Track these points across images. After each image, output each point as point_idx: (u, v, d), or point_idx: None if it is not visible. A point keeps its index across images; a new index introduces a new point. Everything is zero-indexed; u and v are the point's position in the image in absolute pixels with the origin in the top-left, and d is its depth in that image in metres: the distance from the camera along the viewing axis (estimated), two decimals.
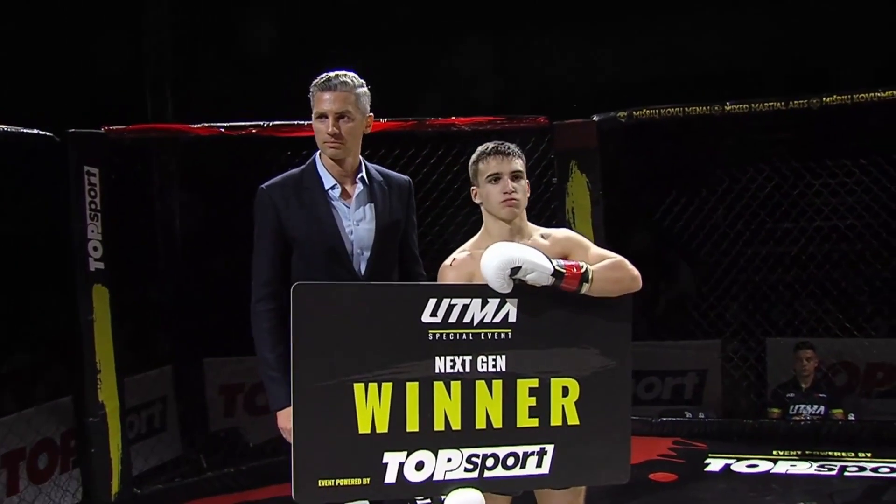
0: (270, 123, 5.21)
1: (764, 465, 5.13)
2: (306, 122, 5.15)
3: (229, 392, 6.94)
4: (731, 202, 6.48)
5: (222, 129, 5.15)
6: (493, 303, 2.56)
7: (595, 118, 5.67)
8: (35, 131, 4.52)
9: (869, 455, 5.19)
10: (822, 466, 5.07)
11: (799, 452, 5.30)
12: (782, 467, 5.10)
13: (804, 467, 5.08)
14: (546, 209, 5.57)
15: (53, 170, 4.68)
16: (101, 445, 4.69)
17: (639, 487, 4.65)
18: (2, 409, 5.52)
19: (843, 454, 5.24)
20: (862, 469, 5.00)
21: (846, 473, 4.93)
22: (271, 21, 8.30)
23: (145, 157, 6.37)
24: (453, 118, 5.57)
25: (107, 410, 4.70)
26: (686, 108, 5.60)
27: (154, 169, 6.64)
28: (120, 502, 4.74)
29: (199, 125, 5.13)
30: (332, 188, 2.92)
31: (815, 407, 6.03)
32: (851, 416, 6.03)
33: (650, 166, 7.68)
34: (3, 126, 4.40)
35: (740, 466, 5.15)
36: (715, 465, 5.21)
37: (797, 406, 6.06)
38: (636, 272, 2.65)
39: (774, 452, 5.32)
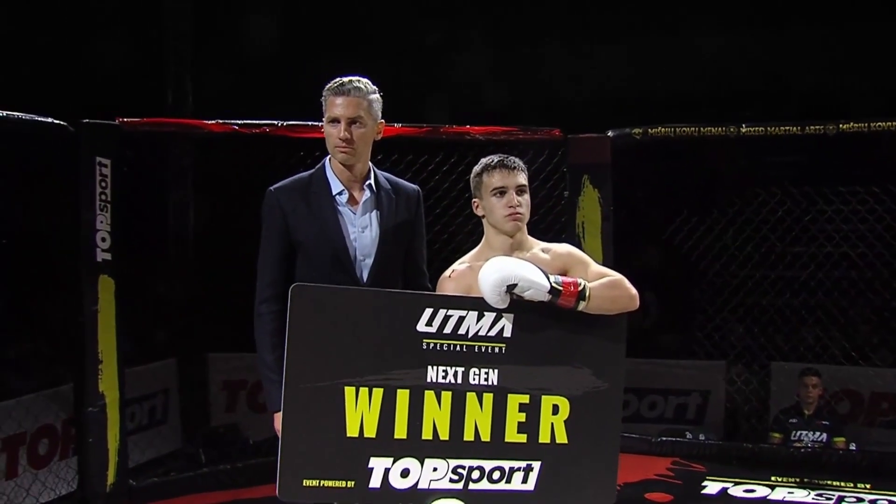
0: (284, 123, 5.21)
1: (761, 491, 5.09)
2: (320, 124, 5.22)
3: (232, 388, 6.97)
4: (742, 224, 6.46)
5: (236, 127, 5.15)
6: (489, 316, 2.56)
7: (610, 133, 5.65)
8: (49, 120, 4.53)
9: (868, 486, 5.13)
10: (820, 495, 5.02)
11: (798, 480, 5.25)
12: (780, 494, 5.05)
13: (802, 495, 5.03)
14: (556, 222, 5.57)
15: (65, 160, 4.70)
16: (98, 436, 4.70)
17: None
18: (5, 394, 5.54)
19: (843, 484, 5.18)
20: (860, 500, 4.94)
21: None
22: (276, 24, 8.32)
23: (157, 151, 6.38)
24: (468, 127, 5.57)
25: (107, 401, 4.70)
26: (701, 129, 5.55)
27: (168, 163, 6.66)
28: (114, 493, 4.74)
29: (212, 121, 5.15)
30: (340, 193, 2.92)
31: (817, 434, 5.99)
32: (853, 446, 5.98)
33: (662, 184, 7.65)
34: (17, 113, 4.42)
35: (737, 491, 5.10)
36: (712, 487, 5.17)
37: (799, 432, 6.02)
38: (634, 291, 2.65)
39: (773, 478, 5.27)
